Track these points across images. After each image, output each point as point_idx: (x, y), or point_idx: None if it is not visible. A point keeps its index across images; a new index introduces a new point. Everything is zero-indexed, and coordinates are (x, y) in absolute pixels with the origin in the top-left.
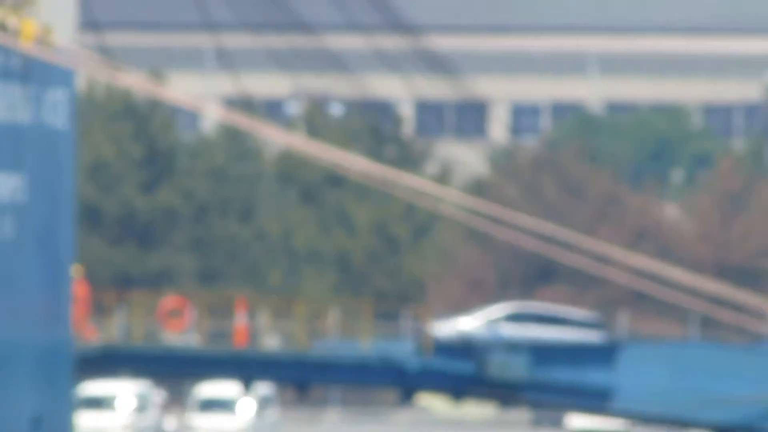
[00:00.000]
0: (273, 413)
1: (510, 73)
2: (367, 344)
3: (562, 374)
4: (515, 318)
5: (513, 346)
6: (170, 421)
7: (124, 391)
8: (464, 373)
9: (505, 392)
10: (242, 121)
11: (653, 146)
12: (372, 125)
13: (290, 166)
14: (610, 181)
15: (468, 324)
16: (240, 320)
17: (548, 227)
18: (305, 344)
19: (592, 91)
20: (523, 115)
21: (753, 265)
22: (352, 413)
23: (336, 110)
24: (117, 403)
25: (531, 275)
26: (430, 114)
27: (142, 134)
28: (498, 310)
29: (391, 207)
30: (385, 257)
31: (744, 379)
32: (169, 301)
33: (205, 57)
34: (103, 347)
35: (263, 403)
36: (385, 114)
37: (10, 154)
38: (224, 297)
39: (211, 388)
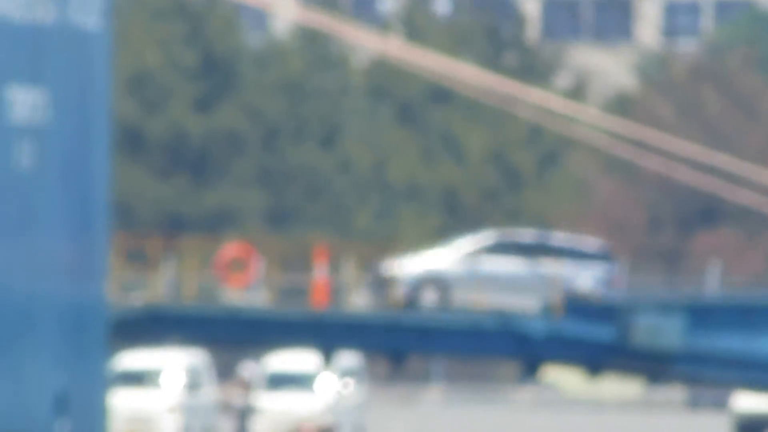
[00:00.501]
0: (360, 390)
1: None
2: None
3: (728, 342)
4: (498, 249)
5: (665, 307)
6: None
7: (172, 364)
8: (603, 340)
9: (654, 364)
10: (324, 21)
11: None
12: (488, 26)
13: (384, 78)
14: None
15: (440, 259)
16: (320, 274)
17: (710, 154)
18: (402, 304)
19: None
20: (679, 14)
21: None
22: (459, 391)
23: (442, 7)
24: (163, 379)
25: (689, 216)
26: (562, 12)
27: (197, 38)
28: (476, 241)
29: (511, 130)
30: (504, 192)
31: None
32: (229, 249)
33: None
34: (146, 308)
35: (348, 378)
36: (504, 12)
37: (29, 63)
38: (300, 244)
39: (282, 360)
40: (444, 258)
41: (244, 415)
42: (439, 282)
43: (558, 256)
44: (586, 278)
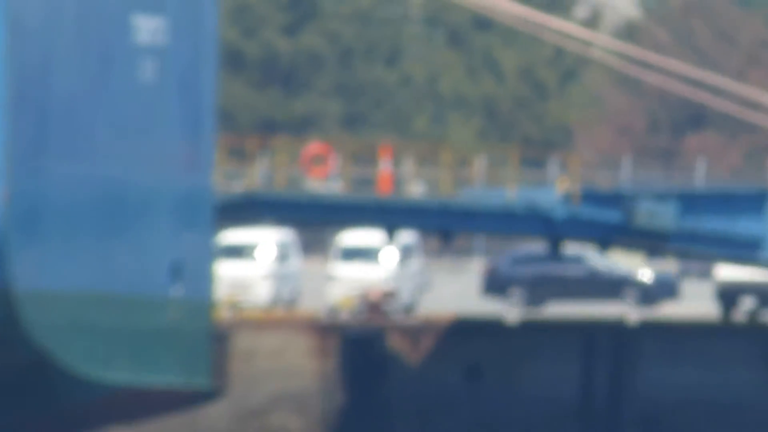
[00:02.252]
0: (417, 262)
1: None
2: (513, 192)
3: (711, 224)
4: None
5: (662, 195)
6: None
7: (266, 240)
8: (612, 222)
9: (652, 242)
10: None
11: None
12: None
13: (437, 9)
14: (763, 26)
15: None
16: (384, 167)
17: (699, 72)
18: (450, 192)
19: None
20: None
21: None
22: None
23: None
24: (258, 252)
25: (680, 121)
26: None
27: None
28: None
29: (538, 51)
30: (533, 103)
31: None
32: (312, 147)
33: None
34: (244, 194)
35: (407, 252)
36: None
37: None
38: (368, 144)
39: (354, 237)
40: None
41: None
42: None
43: None
44: None
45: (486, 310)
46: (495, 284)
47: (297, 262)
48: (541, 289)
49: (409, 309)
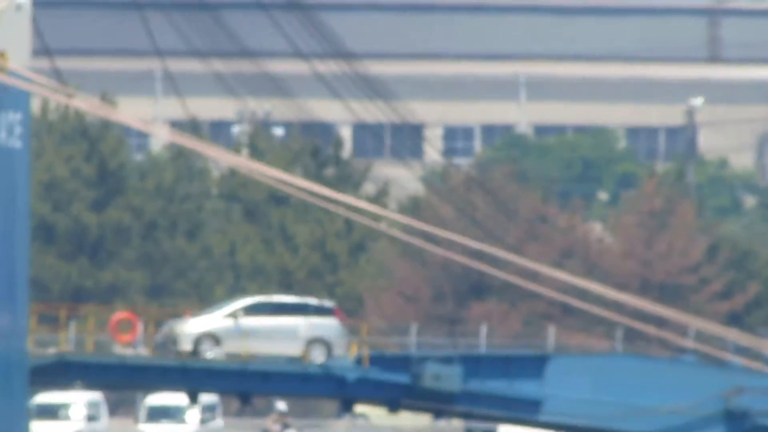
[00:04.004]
0: (218, 422)
1: (443, 97)
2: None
3: (494, 386)
4: (254, 309)
5: (447, 359)
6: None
7: (77, 400)
8: (400, 383)
9: (438, 403)
10: (189, 142)
11: (580, 167)
12: (312, 146)
13: (235, 186)
14: (539, 201)
15: (212, 319)
16: None
17: (480, 245)
18: (248, 357)
19: (521, 114)
20: (456, 138)
21: (675, 281)
22: (294, 423)
23: (278, 132)
24: (70, 412)
25: (464, 290)
26: (368, 136)
27: (94, 155)
28: (238, 303)
29: (330, 225)
30: (325, 273)
31: (665, 390)
32: (119, 315)
33: (153, 82)
34: (56, 357)
35: (208, 412)
36: (324, 136)
37: None
38: (171, 312)
39: (159, 397)
40: (214, 318)
41: None
42: (212, 337)
43: (295, 312)
44: (322, 328)
45: None
46: None
47: (105, 421)
48: None
49: None
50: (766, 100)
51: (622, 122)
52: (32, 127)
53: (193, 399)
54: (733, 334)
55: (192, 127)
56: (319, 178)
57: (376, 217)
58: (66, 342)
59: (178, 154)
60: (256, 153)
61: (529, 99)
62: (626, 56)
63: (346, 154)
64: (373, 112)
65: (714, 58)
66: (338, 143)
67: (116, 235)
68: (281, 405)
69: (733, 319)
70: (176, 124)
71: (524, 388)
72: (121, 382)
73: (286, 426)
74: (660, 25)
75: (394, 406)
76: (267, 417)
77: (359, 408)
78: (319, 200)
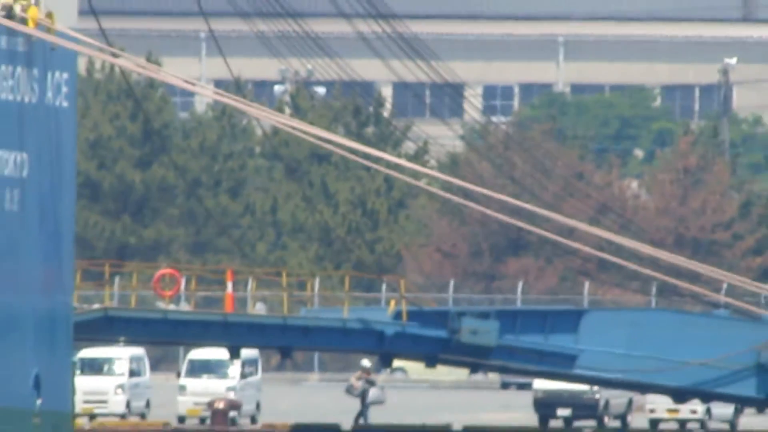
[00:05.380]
0: (258, 376)
1: (483, 57)
2: (347, 312)
3: (529, 340)
4: None
5: (484, 314)
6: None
7: (120, 356)
8: (438, 338)
9: (475, 357)
10: (232, 101)
11: (616, 125)
12: (353, 105)
13: (277, 144)
14: (576, 159)
15: None
16: (228, 289)
17: (517, 201)
18: (289, 311)
19: (560, 74)
20: (495, 97)
21: (709, 237)
22: (332, 377)
23: (320, 91)
24: (114, 367)
25: (501, 247)
26: (408, 95)
27: (139, 113)
28: None
29: (370, 183)
30: (365, 230)
31: (698, 344)
32: (162, 271)
33: (198, 42)
34: (101, 313)
35: (249, 367)
36: (365, 95)
37: (15, 133)
38: (214, 268)
39: (201, 352)
40: None
41: (364, 393)
42: None
43: None
44: None
45: (323, 419)
46: None
47: (148, 376)
48: None
49: (252, 418)
50: None
51: (657, 81)
52: (78, 87)
53: (234, 354)
54: (766, 290)
55: (236, 86)
56: (359, 137)
57: (416, 175)
58: (110, 298)
59: (222, 113)
60: (298, 112)
61: (566, 59)
62: (662, 17)
63: (386, 113)
64: (413, 71)
65: (747, 19)
66: (379, 102)
67: (160, 192)
68: (366, 361)
69: (766, 275)
70: (220, 84)
71: (559, 342)
72: (164, 336)
73: (369, 382)
74: None
75: (431, 361)
76: (352, 374)
77: (397, 362)
78: (359, 158)
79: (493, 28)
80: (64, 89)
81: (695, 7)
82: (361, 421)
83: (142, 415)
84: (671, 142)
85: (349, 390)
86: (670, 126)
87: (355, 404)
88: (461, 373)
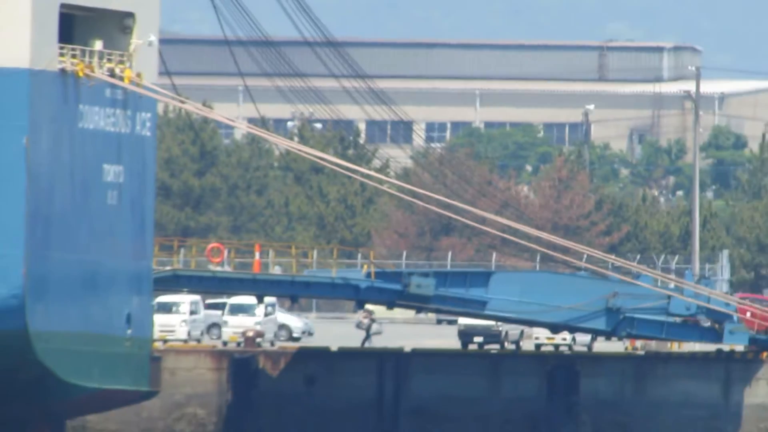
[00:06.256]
0: (275, 315)
1: (426, 103)
2: (334, 272)
3: (456, 291)
4: None
5: (425, 273)
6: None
7: (184, 300)
8: (395, 290)
9: (419, 303)
10: (259, 132)
11: (514, 149)
12: (339, 135)
13: (289, 161)
14: (486, 172)
15: None
16: (256, 257)
17: (447, 199)
18: (297, 272)
19: (477, 115)
20: (434, 130)
21: (575, 224)
22: (326, 315)
23: (317, 126)
24: (179, 308)
25: (437, 229)
26: (376, 129)
27: (197, 140)
28: None
29: (350, 186)
30: (347, 218)
31: (568, 295)
32: (212, 245)
33: (237, 93)
34: (171, 273)
35: (270, 308)
36: (348, 129)
37: (115, 153)
38: (246, 243)
39: (238, 298)
40: None
41: (368, 327)
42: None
43: None
44: None
45: (318, 344)
46: None
47: (203, 314)
48: None
49: (271, 342)
50: (635, 107)
51: (541, 120)
52: (157, 122)
53: (260, 299)
54: (612, 258)
55: (261, 122)
56: (344, 156)
57: (381, 182)
58: (177, 262)
59: (252, 140)
60: (303, 140)
61: (481, 105)
62: (545, 77)
63: (361, 140)
64: (379, 112)
65: (602, 78)
66: (356, 133)
67: (210, 193)
68: (369, 306)
69: (612, 249)
70: (252, 121)
71: (475, 293)
72: (213, 288)
73: (372, 320)
74: (567, 56)
75: (390, 305)
76: (359, 312)
77: (368, 306)
78: (343, 171)
79: (433, 84)
80: (148, 124)
81: (567, 71)
82: (367, 344)
83: (198, 341)
84: (550, 160)
85: (359, 325)
86: (549, 150)
87: (347, 335)
88: (410, 313)
